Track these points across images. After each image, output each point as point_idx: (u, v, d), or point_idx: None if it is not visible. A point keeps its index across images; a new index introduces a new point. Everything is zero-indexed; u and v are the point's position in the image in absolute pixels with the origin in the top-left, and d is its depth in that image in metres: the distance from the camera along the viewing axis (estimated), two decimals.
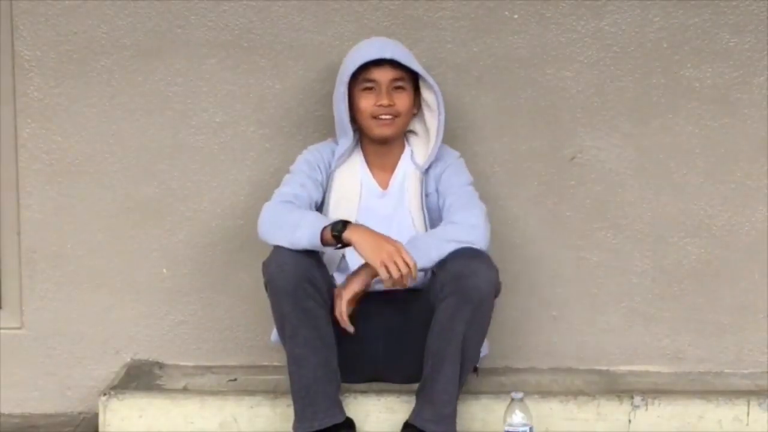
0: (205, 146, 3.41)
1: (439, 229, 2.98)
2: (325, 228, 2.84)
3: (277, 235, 2.89)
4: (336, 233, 2.84)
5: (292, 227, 2.87)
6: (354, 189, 3.09)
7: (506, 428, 2.85)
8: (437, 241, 2.93)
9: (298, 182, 3.04)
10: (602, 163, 3.41)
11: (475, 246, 2.91)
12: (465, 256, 2.88)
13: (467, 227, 2.95)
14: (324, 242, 2.85)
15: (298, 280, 2.82)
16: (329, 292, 2.92)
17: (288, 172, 3.10)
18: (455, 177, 3.09)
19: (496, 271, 2.88)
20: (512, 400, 2.86)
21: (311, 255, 2.89)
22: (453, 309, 2.83)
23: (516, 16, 3.36)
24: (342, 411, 2.92)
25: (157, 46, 3.36)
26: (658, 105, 3.39)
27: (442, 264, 2.91)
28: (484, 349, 3.15)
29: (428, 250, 2.90)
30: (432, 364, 2.87)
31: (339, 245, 2.86)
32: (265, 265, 2.88)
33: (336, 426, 2.88)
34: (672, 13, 3.36)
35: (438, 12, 3.35)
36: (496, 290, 2.89)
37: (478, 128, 3.38)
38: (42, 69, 3.37)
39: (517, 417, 2.84)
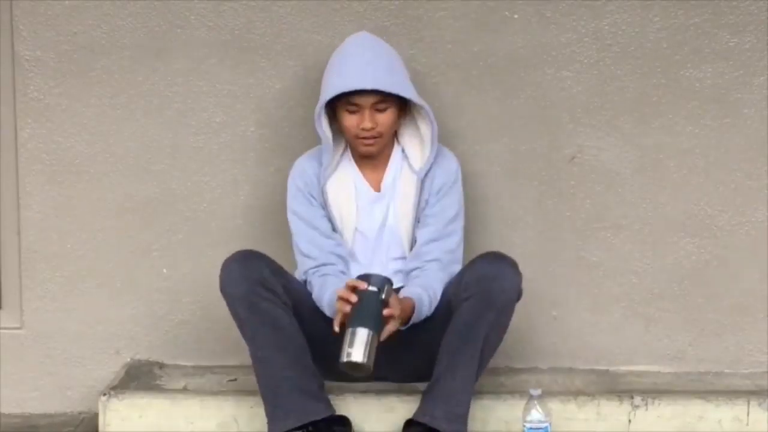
0: (205, 146, 3.40)
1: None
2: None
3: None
4: None
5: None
6: (349, 193, 3.06)
7: (526, 426, 2.85)
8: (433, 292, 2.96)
9: (305, 239, 3.02)
10: (602, 163, 3.41)
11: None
12: (492, 257, 2.90)
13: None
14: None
15: (249, 284, 2.83)
16: (286, 291, 2.90)
17: (288, 212, 3.07)
18: (449, 205, 3.06)
19: (521, 276, 2.89)
20: (531, 397, 2.86)
21: (260, 258, 2.90)
22: (477, 311, 2.82)
23: (516, 16, 3.35)
24: (327, 407, 2.90)
25: (157, 46, 3.36)
26: (658, 105, 3.39)
27: (468, 265, 2.94)
28: None
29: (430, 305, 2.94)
30: (447, 362, 2.86)
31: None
32: (219, 275, 2.90)
33: (314, 423, 2.86)
34: (672, 13, 3.36)
35: (438, 12, 3.35)
36: (519, 295, 2.90)
37: (478, 128, 3.38)
38: (42, 69, 3.36)
39: (537, 414, 2.84)
